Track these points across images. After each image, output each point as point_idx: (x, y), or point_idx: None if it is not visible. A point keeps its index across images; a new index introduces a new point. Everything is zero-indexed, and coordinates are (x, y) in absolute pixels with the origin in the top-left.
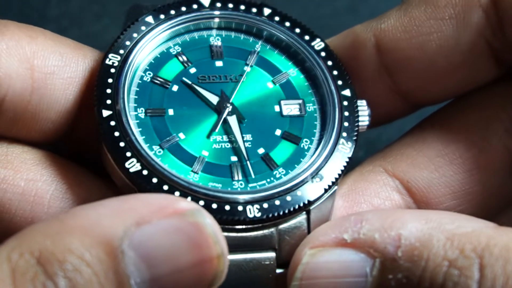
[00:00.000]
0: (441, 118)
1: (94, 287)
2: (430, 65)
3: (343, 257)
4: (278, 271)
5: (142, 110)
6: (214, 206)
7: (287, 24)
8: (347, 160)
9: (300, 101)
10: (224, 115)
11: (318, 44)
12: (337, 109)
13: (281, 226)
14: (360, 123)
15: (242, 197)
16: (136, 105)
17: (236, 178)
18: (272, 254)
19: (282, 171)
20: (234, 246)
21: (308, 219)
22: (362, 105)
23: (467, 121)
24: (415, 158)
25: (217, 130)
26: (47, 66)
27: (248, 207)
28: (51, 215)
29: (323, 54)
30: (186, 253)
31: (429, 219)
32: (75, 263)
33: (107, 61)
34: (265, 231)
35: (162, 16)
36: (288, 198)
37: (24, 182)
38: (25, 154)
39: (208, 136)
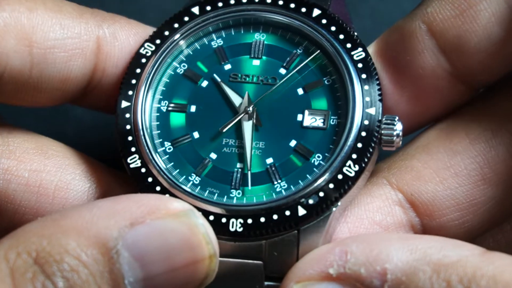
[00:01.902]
0: (446, 128)
1: (90, 287)
2: (486, 37)
3: None
4: (267, 283)
5: (165, 103)
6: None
7: (333, 28)
8: (349, 184)
9: (326, 113)
10: (237, 119)
11: (358, 54)
12: (353, 129)
13: (270, 240)
14: (383, 143)
15: (227, 210)
16: (161, 97)
17: (235, 186)
18: (259, 265)
19: (284, 186)
20: (221, 251)
21: (298, 238)
22: (391, 123)
23: (472, 131)
24: (419, 171)
25: (223, 132)
26: (46, 40)
27: (232, 220)
28: (56, 206)
29: (360, 65)
30: (179, 253)
31: (414, 249)
32: (72, 263)
33: (141, 50)
34: (252, 243)
35: (208, 8)
36: (275, 216)
37: (28, 173)
38: (26, 143)
39: (214, 138)
